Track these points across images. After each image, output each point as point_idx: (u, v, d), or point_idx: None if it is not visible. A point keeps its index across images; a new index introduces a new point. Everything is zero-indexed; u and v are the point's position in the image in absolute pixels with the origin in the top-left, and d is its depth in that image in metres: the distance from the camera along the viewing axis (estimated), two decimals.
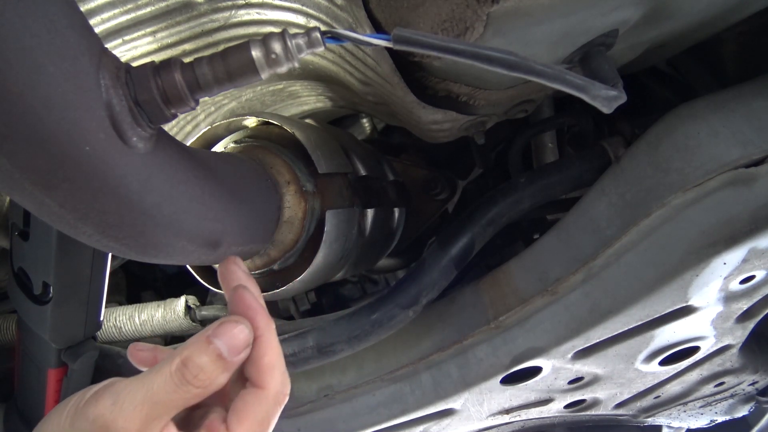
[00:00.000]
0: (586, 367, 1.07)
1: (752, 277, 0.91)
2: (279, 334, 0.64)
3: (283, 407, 0.54)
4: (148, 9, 0.70)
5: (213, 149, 0.78)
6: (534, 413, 1.27)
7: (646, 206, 0.88)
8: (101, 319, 0.95)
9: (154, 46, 0.74)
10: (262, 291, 0.74)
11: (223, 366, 0.48)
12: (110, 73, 0.40)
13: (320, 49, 0.46)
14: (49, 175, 0.38)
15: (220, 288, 0.77)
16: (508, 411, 1.21)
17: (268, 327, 0.54)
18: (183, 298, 1.20)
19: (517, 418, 1.28)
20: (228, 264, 0.58)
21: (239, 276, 0.57)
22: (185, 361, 0.47)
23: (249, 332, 0.51)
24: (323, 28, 0.56)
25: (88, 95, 0.38)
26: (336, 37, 0.46)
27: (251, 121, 0.81)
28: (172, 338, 1.33)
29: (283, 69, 0.46)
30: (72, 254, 0.81)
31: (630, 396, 1.27)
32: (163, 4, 0.70)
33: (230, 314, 0.54)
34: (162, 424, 0.46)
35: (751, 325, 1.08)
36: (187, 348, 0.48)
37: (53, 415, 0.49)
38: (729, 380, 1.30)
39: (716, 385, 1.31)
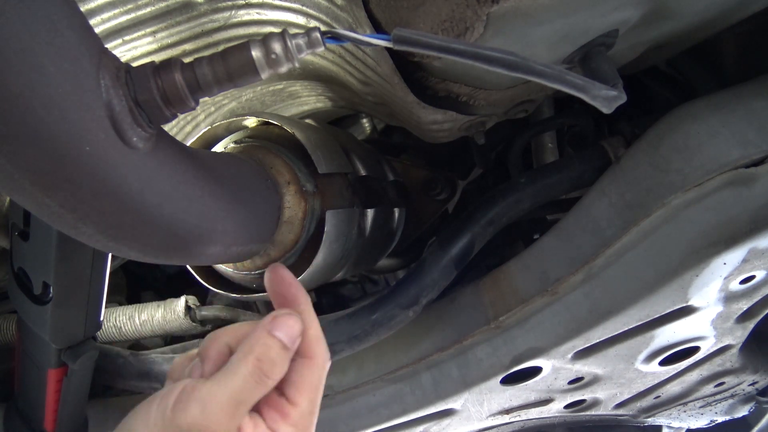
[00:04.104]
0: (586, 368, 1.07)
1: (752, 277, 0.91)
2: None
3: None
4: (148, 9, 0.70)
5: (213, 149, 0.78)
6: (534, 413, 1.27)
7: (646, 206, 0.88)
8: (101, 319, 0.94)
9: (154, 46, 0.74)
10: (262, 291, 0.74)
11: (287, 355, 0.54)
12: (110, 73, 0.40)
13: (320, 49, 0.46)
14: (50, 175, 0.38)
15: (219, 288, 0.77)
16: (508, 411, 1.21)
17: (308, 302, 0.60)
18: (183, 298, 1.20)
19: (517, 418, 1.28)
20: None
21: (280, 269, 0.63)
22: (260, 358, 0.52)
23: (300, 321, 0.56)
24: (323, 28, 0.56)
25: (88, 95, 0.38)
26: (336, 37, 0.46)
27: (251, 121, 0.81)
28: (172, 338, 1.33)
29: (283, 69, 0.46)
30: (72, 254, 0.81)
31: (630, 396, 1.27)
32: (163, 4, 0.70)
33: (270, 293, 0.61)
34: (244, 415, 0.53)
35: (751, 325, 1.08)
36: (254, 347, 0.53)
37: (137, 426, 0.52)
38: (729, 380, 1.30)
39: (716, 386, 1.31)
